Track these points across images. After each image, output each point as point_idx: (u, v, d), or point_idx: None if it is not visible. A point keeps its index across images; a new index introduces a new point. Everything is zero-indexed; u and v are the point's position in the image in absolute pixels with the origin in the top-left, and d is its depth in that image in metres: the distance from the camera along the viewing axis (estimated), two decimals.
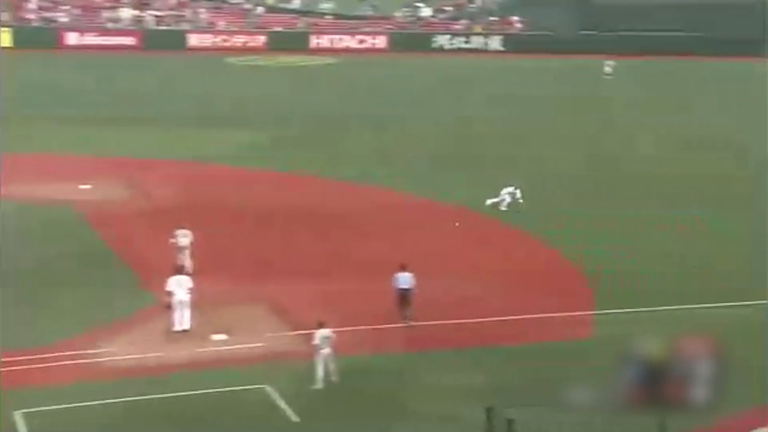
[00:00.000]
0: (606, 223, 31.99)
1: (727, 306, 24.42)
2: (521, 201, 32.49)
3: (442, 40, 77.83)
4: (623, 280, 26.53)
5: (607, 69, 64.82)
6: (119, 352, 22.92)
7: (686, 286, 26.36)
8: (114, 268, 28.54)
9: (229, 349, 22.97)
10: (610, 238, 30.35)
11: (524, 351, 22.66)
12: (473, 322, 23.97)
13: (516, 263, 28.62)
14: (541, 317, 24.10)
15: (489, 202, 32.68)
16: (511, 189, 32.76)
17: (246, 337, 23.52)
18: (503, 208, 32.51)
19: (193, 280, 24.70)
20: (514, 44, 75.98)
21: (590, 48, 71.57)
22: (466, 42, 77.77)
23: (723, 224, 32.26)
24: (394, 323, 23.94)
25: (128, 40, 78.38)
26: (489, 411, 16.63)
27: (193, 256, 28.03)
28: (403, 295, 23.93)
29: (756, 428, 15.80)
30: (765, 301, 24.39)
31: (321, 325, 21.83)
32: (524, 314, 24.32)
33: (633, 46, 70.24)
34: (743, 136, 46.72)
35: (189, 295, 24.17)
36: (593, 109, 54.29)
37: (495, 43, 77.56)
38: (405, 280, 24.02)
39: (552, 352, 22.50)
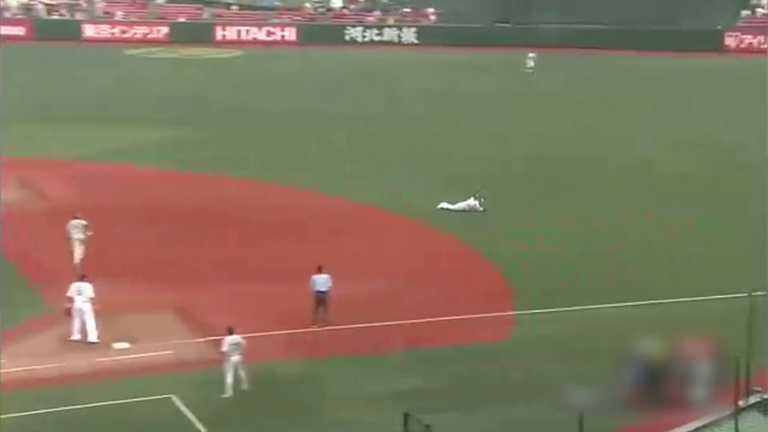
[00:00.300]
0: (543, 222, 32.28)
1: (654, 304, 25.03)
2: (482, 209, 32.79)
3: (355, 33, 77.90)
4: (546, 279, 26.85)
5: (530, 62, 65.00)
6: (12, 362, 22.31)
7: (616, 284, 26.74)
8: (6, 273, 27.84)
9: (132, 358, 22.65)
10: (544, 237, 30.62)
11: (445, 353, 22.68)
12: (393, 325, 23.96)
13: (437, 264, 28.60)
14: (462, 318, 24.37)
15: (443, 205, 32.79)
16: (470, 201, 32.92)
17: (150, 345, 23.22)
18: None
19: (95, 287, 24.20)
20: (429, 36, 76.36)
21: (507, 40, 72.27)
22: (379, 34, 77.83)
23: (674, 219, 32.53)
24: (310, 327, 23.93)
25: (17, 30, 76.66)
26: (406, 417, 16.40)
27: (86, 246, 27.32)
28: (321, 298, 23.94)
29: (674, 428, 15.82)
30: (684, 299, 25.08)
31: (230, 331, 21.68)
32: (445, 316, 24.50)
33: (551, 39, 70.89)
34: (721, 134, 46.14)
35: (89, 305, 23.74)
36: (523, 104, 53.89)
37: (409, 35, 77.74)
38: (322, 282, 24.05)
39: (472, 354, 22.61)
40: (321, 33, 77.38)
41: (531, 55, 65.08)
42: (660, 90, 58.62)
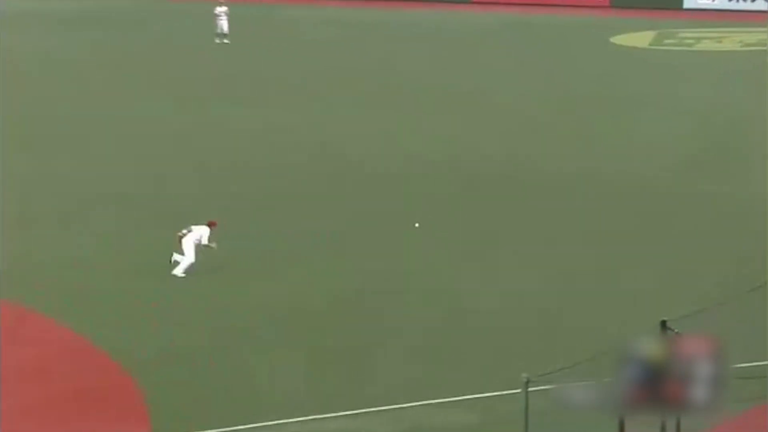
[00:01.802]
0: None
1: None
2: (213, 245, 30.62)
3: None
4: (190, 387, 25.20)
5: (222, 24, 53.52)
6: None
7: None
8: None
9: None
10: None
11: None
12: None
13: (34, 369, 26.03)
14: None
15: (175, 261, 30.54)
16: (203, 236, 30.55)
17: None
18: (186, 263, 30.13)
19: None
20: None
21: None
22: None
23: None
24: None
25: None
26: None
27: None
28: None
29: None
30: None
31: None
32: None
33: None
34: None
35: None
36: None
37: None
38: None
39: None
40: None
41: (220, 9, 53.99)
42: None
